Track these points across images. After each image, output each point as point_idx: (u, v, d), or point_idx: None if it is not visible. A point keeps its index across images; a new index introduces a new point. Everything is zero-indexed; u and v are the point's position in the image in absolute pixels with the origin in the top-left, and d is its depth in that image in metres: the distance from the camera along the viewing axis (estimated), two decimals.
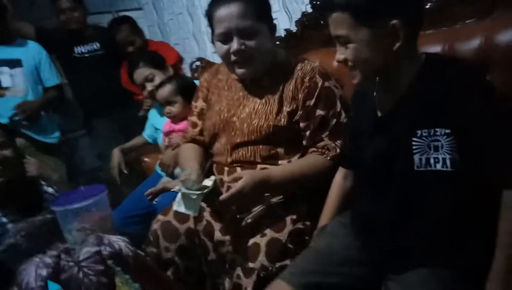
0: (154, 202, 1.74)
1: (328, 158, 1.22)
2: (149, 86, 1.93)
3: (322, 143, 1.24)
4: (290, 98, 1.26)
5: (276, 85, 1.29)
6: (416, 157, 0.88)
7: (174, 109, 1.78)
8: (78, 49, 2.52)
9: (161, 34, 3.10)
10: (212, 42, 1.30)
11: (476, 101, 0.82)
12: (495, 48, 1.09)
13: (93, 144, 2.99)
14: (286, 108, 1.26)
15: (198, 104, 1.45)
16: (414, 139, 0.87)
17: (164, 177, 1.83)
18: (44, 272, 0.80)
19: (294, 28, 1.85)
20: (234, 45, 1.20)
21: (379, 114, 0.97)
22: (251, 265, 1.11)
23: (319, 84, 1.25)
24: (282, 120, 1.26)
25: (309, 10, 1.80)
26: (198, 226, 1.32)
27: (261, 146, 1.27)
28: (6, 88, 2.16)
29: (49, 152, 2.26)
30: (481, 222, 0.87)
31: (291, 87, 1.27)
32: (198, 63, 2.27)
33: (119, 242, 0.95)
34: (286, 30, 1.88)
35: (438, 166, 0.85)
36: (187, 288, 1.32)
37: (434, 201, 0.89)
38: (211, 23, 1.26)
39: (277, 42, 1.80)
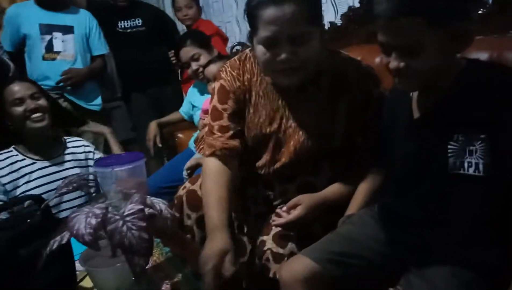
0: (186, 177, 1.81)
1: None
2: (194, 65, 1.98)
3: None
4: (344, 110, 1.15)
5: (324, 93, 1.15)
6: (451, 160, 0.88)
7: None
8: (122, 24, 2.60)
9: (204, 15, 3.16)
10: (250, 41, 1.13)
11: None
12: None
13: (127, 116, 3.07)
14: (339, 123, 1.16)
15: (229, 105, 1.20)
16: (451, 142, 0.88)
17: (196, 153, 1.90)
18: (93, 220, 0.87)
19: (338, 22, 1.86)
20: (283, 53, 1.03)
21: (415, 115, 0.97)
22: (281, 251, 1.12)
23: (376, 94, 1.15)
24: (336, 137, 1.17)
25: (356, 4, 1.81)
26: None
27: (306, 162, 1.21)
28: (58, 52, 2.25)
29: (92, 118, 2.37)
30: (506, 226, 0.88)
31: (344, 98, 1.14)
32: (238, 47, 2.31)
33: (160, 204, 1.02)
34: (330, 23, 1.89)
35: (471, 171, 0.86)
36: None
37: (463, 203, 0.90)
38: (253, 21, 1.06)
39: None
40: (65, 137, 1.67)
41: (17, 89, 1.51)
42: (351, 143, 1.19)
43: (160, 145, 2.21)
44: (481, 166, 0.85)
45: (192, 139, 2.04)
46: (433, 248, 0.94)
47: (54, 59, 2.24)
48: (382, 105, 1.11)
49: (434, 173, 0.92)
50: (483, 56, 1.23)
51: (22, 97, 1.50)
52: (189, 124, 2.24)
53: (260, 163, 1.24)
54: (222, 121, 1.21)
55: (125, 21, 2.59)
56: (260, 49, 1.06)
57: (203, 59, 1.96)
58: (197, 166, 1.79)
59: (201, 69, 1.95)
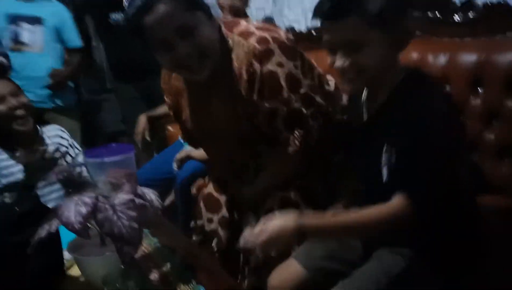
0: (176, 169, 1.81)
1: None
2: None
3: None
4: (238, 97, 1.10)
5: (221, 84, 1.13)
6: (384, 170, 0.89)
7: None
8: (114, 16, 2.57)
9: None
10: None
11: (424, 128, 0.83)
12: None
13: (117, 108, 3.06)
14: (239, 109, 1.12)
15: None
16: (383, 152, 0.88)
17: (186, 145, 1.90)
18: (83, 209, 0.88)
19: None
20: None
21: (365, 117, 0.99)
22: None
23: (258, 71, 1.06)
24: (242, 123, 1.13)
25: None
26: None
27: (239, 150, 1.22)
28: (24, 44, 2.20)
29: (67, 115, 2.34)
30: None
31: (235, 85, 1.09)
32: None
33: (151, 194, 1.02)
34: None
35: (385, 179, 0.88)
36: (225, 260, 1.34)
37: None
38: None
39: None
40: (43, 129, 1.63)
41: None
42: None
43: (148, 139, 2.20)
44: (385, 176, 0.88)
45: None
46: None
47: (19, 50, 2.19)
48: (278, 79, 1.05)
49: (376, 181, 0.92)
50: (472, 57, 1.28)
51: (2, 95, 1.45)
52: None
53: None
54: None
55: (118, 13, 2.56)
56: None
57: None
58: (187, 158, 1.79)
59: None
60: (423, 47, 1.47)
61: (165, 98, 1.30)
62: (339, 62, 0.88)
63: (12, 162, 1.50)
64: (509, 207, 1.06)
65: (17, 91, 1.51)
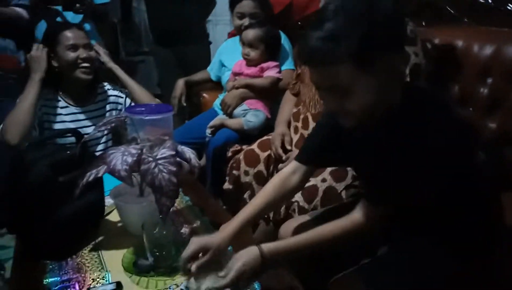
0: (209, 135, 1.87)
1: None
2: (248, 21, 1.97)
3: None
4: None
5: None
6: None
7: (253, 53, 1.85)
8: None
9: None
10: None
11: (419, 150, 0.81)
12: None
13: (153, 72, 3.11)
14: None
15: None
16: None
17: (221, 113, 1.95)
18: (129, 159, 0.94)
19: None
20: None
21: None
22: (306, 206, 1.22)
23: None
24: None
25: None
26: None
27: None
28: None
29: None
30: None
31: None
32: None
33: (189, 153, 1.08)
34: None
35: None
36: None
37: None
38: None
39: None
40: (102, 84, 1.72)
41: (73, 35, 1.55)
42: None
43: (184, 104, 2.25)
44: None
45: (218, 100, 2.08)
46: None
47: None
48: None
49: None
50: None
51: (76, 44, 1.54)
52: (214, 85, 2.27)
53: None
54: None
55: None
56: None
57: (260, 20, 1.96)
58: (221, 126, 1.85)
59: None
60: (469, 35, 1.44)
61: None
62: (327, 104, 0.86)
63: (67, 110, 1.60)
64: None
65: (90, 44, 1.61)
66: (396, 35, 0.80)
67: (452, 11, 1.55)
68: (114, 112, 1.72)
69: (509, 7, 1.37)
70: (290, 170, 1.08)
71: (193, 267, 0.91)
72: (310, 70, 0.83)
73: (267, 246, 0.92)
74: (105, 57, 1.71)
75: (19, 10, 2.01)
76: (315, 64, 0.81)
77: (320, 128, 1.08)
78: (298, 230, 1.07)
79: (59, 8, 2.21)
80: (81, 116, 1.62)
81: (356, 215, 0.90)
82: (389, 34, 0.77)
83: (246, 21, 1.98)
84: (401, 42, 0.83)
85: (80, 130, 1.56)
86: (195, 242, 0.93)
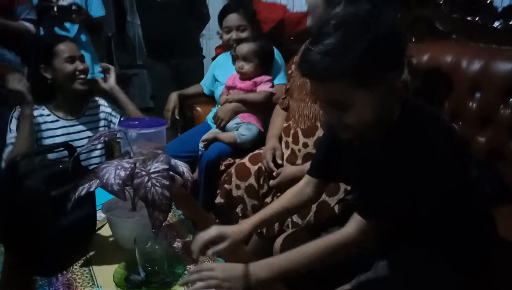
0: (202, 149, 1.87)
1: None
2: (235, 35, 2.01)
3: None
4: None
5: None
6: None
7: (247, 67, 1.87)
8: None
9: None
10: None
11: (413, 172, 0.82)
12: None
13: (146, 84, 3.11)
14: None
15: None
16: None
17: (214, 127, 1.96)
18: (122, 173, 0.94)
19: None
20: None
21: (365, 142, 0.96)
22: (299, 221, 1.23)
23: None
24: None
25: None
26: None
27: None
28: None
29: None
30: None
31: None
32: None
33: (183, 167, 1.09)
34: None
35: None
36: None
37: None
38: None
39: None
40: (94, 97, 1.73)
41: (70, 47, 1.57)
42: None
43: (177, 117, 2.26)
44: None
45: (211, 113, 2.09)
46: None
47: None
48: None
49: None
50: (507, 66, 1.29)
51: (73, 56, 1.56)
52: (208, 99, 2.28)
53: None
54: None
55: None
56: None
57: (247, 33, 2.00)
58: (214, 139, 1.85)
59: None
60: (458, 51, 1.47)
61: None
62: (327, 116, 0.89)
63: (57, 124, 1.60)
64: None
65: (83, 57, 1.62)
66: (396, 52, 0.81)
67: (441, 28, 1.59)
68: (107, 129, 1.72)
69: (495, 25, 1.41)
70: (303, 183, 1.12)
71: (210, 251, 0.97)
72: (310, 83, 0.85)
73: (258, 263, 0.91)
74: (113, 78, 1.74)
75: (27, 24, 2.04)
76: (314, 78, 0.82)
77: (323, 142, 1.11)
78: (292, 243, 1.07)
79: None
80: (72, 129, 1.62)
81: (349, 229, 0.90)
82: (389, 51, 0.79)
83: (233, 34, 2.02)
84: (401, 59, 0.84)
85: (72, 143, 1.57)
86: (215, 229, 0.99)
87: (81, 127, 1.64)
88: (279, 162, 1.50)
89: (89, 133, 1.64)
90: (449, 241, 0.94)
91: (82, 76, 1.57)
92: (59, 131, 1.59)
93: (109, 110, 1.73)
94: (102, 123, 1.71)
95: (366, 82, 0.78)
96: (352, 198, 1.28)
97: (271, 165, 1.48)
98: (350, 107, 0.81)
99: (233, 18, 2.02)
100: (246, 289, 0.87)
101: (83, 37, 2.31)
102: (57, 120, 1.60)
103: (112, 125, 1.72)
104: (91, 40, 2.38)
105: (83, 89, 1.59)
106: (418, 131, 0.84)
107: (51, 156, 1.41)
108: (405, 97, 0.88)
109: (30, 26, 2.05)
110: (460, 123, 1.45)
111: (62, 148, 1.13)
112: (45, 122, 1.57)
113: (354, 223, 0.89)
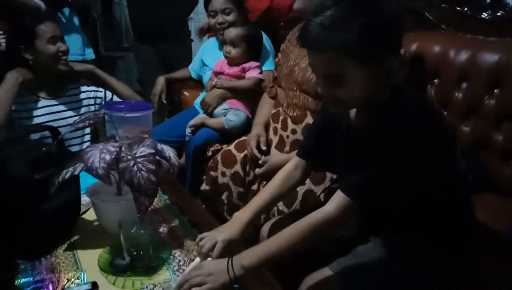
0: (189, 134, 1.86)
1: None
2: (221, 18, 1.98)
3: None
4: None
5: None
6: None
7: (235, 51, 1.85)
8: None
9: None
10: None
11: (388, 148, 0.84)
12: None
13: (132, 68, 3.07)
14: None
15: None
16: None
17: (201, 112, 1.94)
18: (107, 157, 0.93)
19: None
20: None
21: (354, 126, 0.96)
22: (285, 210, 1.23)
23: None
24: None
25: None
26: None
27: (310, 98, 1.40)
28: None
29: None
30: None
31: None
32: None
33: (169, 151, 1.07)
34: None
35: None
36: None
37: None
38: None
39: None
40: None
41: (51, 28, 1.53)
42: None
43: (164, 102, 2.23)
44: None
45: (199, 98, 2.07)
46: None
47: None
48: None
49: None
50: (493, 57, 1.30)
51: (55, 36, 1.53)
52: (195, 83, 2.26)
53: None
54: None
55: None
56: None
57: (233, 17, 1.97)
58: (201, 125, 1.84)
59: (226, 24, 1.96)
60: (446, 41, 1.48)
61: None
62: (321, 89, 0.88)
63: (39, 104, 1.57)
64: None
65: (63, 38, 1.59)
66: (395, 34, 0.83)
67: (431, 18, 1.59)
68: (92, 107, 1.70)
69: (483, 16, 1.41)
70: (292, 166, 1.12)
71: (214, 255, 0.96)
72: (309, 55, 0.85)
73: (242, 253, 0.91)
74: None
75: (37, 1, 2.01)
76: (313, 49, 0.83)
77: (315, 125, 1.12)
78: (278, 230, 1.07)
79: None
80: (54, 108, 1.60)
81: (329, 207, 0.90)
82: (388, 32, 0.80)
83: (219, 18, 1.99)
84: (399, 43, 0.85)
85: (55, 122, 1.55)
86: (223, 242, 0.97)
87: (62, 107, 1.62)
88: (263, 148, 1.50)
89: (71, 113, 1.63)
90: (429, 227, 0.95)
91: (65, 57, 1.55)
92: (40, 111, 1.56)
93: (91, 89, 1.70)
94: (85, 102, 1.69)
95: (363, 59, 0.79)
96: (337, 182, 1.29)
97: (255, 151, 1.47)
98: (345, 82, 0.82)
99: (218, 2, 1.99)
100: (234, 279, 0.87)
101: (75, 20, 2.26)
102: (39, 100, 1.57)
103: (97, 107, 1.69)
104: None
105: (66, 70, 1.57)
106: (406, 115, 0.85)
107: (33, 135, 1.39)
108: (397, 84, 0.88)
109: (40, 3, 2.02)
110: (446, 112, 1.46)
111: (45, 130, 1.10)
112: (25, 103, 1.55)
113: (334, 201, 0.90)
